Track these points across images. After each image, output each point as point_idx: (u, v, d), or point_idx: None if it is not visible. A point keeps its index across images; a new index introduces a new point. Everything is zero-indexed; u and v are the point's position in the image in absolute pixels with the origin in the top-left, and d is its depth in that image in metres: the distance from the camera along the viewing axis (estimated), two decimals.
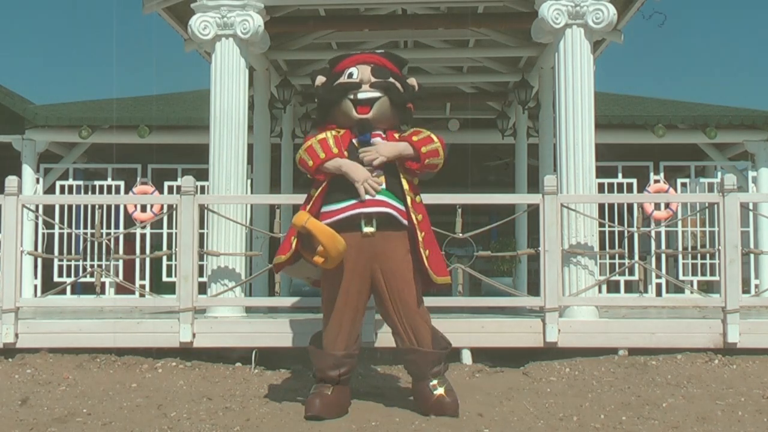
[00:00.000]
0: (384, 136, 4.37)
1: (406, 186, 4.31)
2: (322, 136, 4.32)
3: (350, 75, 4.38)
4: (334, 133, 4.33)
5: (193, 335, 5.96)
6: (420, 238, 4.25)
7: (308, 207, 4.32)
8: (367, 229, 4.22)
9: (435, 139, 4.36)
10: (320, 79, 4.53)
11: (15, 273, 6.06)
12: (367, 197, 4.20)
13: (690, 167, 12.01)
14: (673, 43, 46.43)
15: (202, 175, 7.47)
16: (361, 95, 4.31)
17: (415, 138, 4.32)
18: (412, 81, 4.54)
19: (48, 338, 6.00)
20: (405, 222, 4.27)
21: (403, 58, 4.73)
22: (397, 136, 4.40)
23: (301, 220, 4.17)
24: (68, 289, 7.69)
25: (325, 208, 4.28)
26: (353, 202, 4.22)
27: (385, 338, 5.50)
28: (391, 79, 4.39)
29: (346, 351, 4.32)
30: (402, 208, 4.28)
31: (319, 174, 4.29)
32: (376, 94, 4.32)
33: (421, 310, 4.35)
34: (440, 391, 4.30)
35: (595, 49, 7.72)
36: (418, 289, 4.35)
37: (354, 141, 4.33)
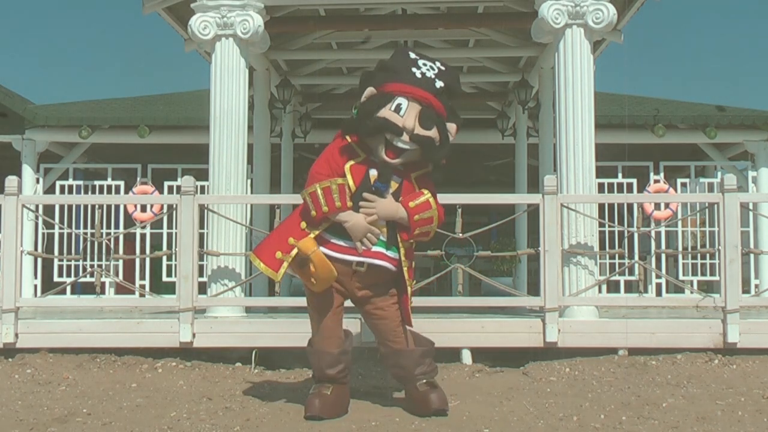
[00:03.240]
0: (400, 175, 4.24)
1: (400, 238, 4.27)
2: (326, 184, 4.16)
3: (398, 107, 4.15)
4: (339, 181, 4.17)
5: (193, 335, 5.96)
6: (409, 291, 4.33)
7: (312, 233, 4.23)
8: (358, 268, 4.25)
9: (435, 219, 4.26)
10: (369, 91, 4.26)
11: (15, 273, 6.07)
12: (363, 248, 4.21)
13: (690, 167, 12.01)
14: (673, 43, 46.44)
15: (202, 175, 7.48)
16: (397, 143, 4.15)
17: (411, 204, 4.20)
18: (452, 127, 4.27)
19: (48, 338, 6.00)
20: (395, 269, 4.28)
21: (459, 89, 4.44)
22: (413, 178, 4.28)
23: (307, 249, 4.11)
24: (68, 289, 7.69)
25: (328, 236, 4.25)
26: (352, 246, 4.21)
27: None
28: (433, 132, 4.17)
29: (342, 348, 4.35)
30: (395, 257, 4.28)
31: (320, 222, 4.24)
32: (412, 147, 4.16)
33: (400, 324, 4.37)
34: (426, 387, 4.31)
35: (595, 49, 7.72)
36: (397, 306, 4.38)
37: (371, 173, 4.22)
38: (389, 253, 4.26)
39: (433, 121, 4.17)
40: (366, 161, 4.24)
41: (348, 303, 4.48)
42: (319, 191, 4.16)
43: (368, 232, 4.19)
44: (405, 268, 4.29)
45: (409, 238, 4.26)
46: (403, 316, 4.38)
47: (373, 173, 4.22)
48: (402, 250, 4.28)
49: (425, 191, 4.27)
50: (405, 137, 4.13)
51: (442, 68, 4.36)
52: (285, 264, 4.21)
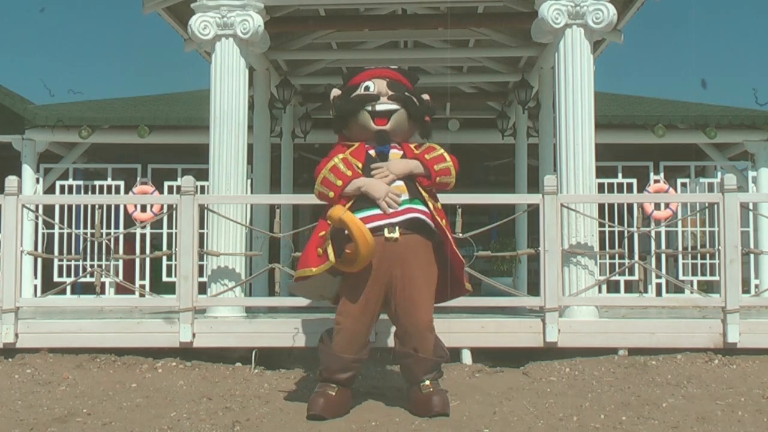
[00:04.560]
0: (399, 147, 4.40)
1: (425, 194, 4.35)
2: (330, 164, 4.31)
3: (366, 88, 4.41)
4: (341, 156, 4.34)
5: (193, 335, 5.96)
6: (451, 240, 4.33)
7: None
8: (390, 235, 4.23)
9: (447, 158, 4.39)
10: (335, 92, 4.57)
11: (15, 273, 6.06)
12: (391, 210, 4.24)
13: (690, 167, 12.02)
14: (673, 43, 46.45)
15: (202, 175, 7.48)
16: (379, 107, 4.35)
17: (427, 156, 4.36)
18: (427, 96, 4.57)
19: (48, 338, 6.00)
20: (433, 224, 4.31)
21: (416, 74, 4.75)
22: (413, 146, 4.43)
23: (338, 212, 4.14)
24: (68, 289, 7.69)
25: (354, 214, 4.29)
26: (379, 211, 4.24)
27: (385, 338, 5.51)
28: (407, 93, 4.44)
29: (357, 356, 4.32)
30: (425, 209, 4.32)
31: (342, 200, 4.29)
32: (394, 106, 4.36)
33: (429, 318, 4.35)
34: (430, 390, 4.31)
35: (595, 49, 7.72)
36: (431, 297, 4.37)
37: (371, 153, 4.36)
38: (417, 206, 4.29)
39: (403, 88, 4.45)
40: (362, 145, 4.40)
41: None
42: (327, 173, 4.31)
43: (389, 191, 4.24)
44: (438, 219, 4.31)
45: (434, 178, 4.32)
46: (430, 317, 4.33)
47: (372, 153, 4.37)
48: (430, 204, 4.32)
49: (436, 147, 4.46)
50: (383, 98, 4.37)
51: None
52: (329, 249, 4.20)
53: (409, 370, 4.38)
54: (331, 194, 4.28)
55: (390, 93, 4.38)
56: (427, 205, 4.33)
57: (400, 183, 4.30)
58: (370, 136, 4.38)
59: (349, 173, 4.26)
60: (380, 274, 4.25)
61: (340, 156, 4.34)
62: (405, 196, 4.29)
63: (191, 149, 11.15)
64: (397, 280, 4.26)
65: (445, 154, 4.39)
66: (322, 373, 4.40)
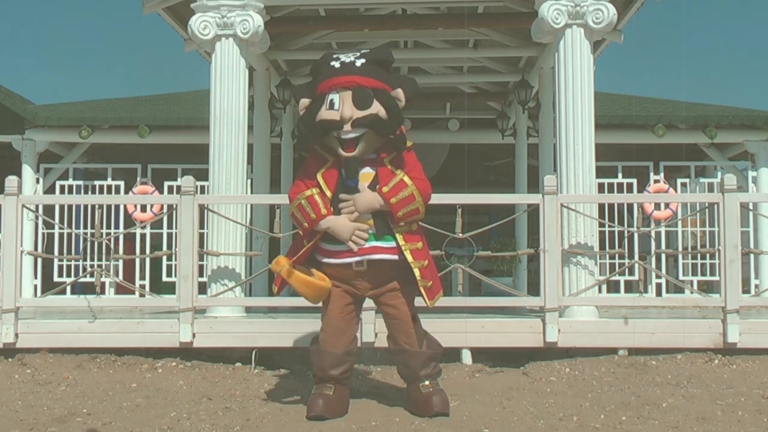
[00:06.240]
0: (373, 163, 4.26)
1: (393, 228, 4.24)
2: (296, 202, 4.26)
3: (331, 103, 4.19)
4: (307, 194, 4.23)
5: (193, 335, 5.96)
6: (418, 274, 4.22)
7: (296, 255, 4.33)
8: (358, 268, 4.26)
9: (417, 196, 4.19)
10: (303, 103, 4.33)
11: (15, 273, 6.06)
12: (357, 248, 4.22)
13: (690, 167, 12.01)
14: (673, 43, 46.46)
15: (202, 175, 7.48)
16: (344, 136, 4.17)
17: (393, 200, 4.15)
18: (399, 94, 4.24)
19: (48, 338, 6.00)
20: (396, 258, 4.24)
21: (388, 58, 4.39)
22: (387, 163, 4.27)
23: (277, 267, 4.24)
24: (68, 289, 7.69)
25: (324, 245, 4.30)
26: (347, 248, 4.23)
27: (385, 338, 5.50)
28: (374, 108, 4.16)
29: (347, 349, 4.35)
30: (392, 246, 4.24)
31: (312, 236, 4.30)
32: (359, 132, 4.16)
33: (414, 320, 4.39)
34: (429, 390, 4.32)
35: (595, 49, 7.72)
36: (411, 303, 4.39)
37: (343, 174, 4.27)
38: (384, 244, 4.24)
39: (369, 98, 4.17)
40: (335, 164, 4.28)
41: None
42: (295, 212, 4.30)
43: (355, 229, 4.20)
44: (407, 252, 4.22)
45: (398, 221, 4.21)
46: (412, 313, 4.37)
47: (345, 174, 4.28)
48: (399, 236, 4.23)
49: (399, 171, 4.25)
50: (347, 127, 4.15)
51: (365, 51, 4.41)
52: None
53: (405, 366, 4.40)
54: (301, 233, 4.33)
55: (355, 116, 4.12)
56: (395, 240, 4.24)
57: (369, 217, 4.22)
58: (341, 160, 4.25)
59: (313, 216, 4.20)
60: (352, 290, 4.32)
61: (306, 194, 4.24)
62: (372, 230, 4.23)
63: (191, 149, 11.14)
64: (376, 293, 4.35)
65: (415, 192, 4.19)
66: (316, 374, 4.43)
